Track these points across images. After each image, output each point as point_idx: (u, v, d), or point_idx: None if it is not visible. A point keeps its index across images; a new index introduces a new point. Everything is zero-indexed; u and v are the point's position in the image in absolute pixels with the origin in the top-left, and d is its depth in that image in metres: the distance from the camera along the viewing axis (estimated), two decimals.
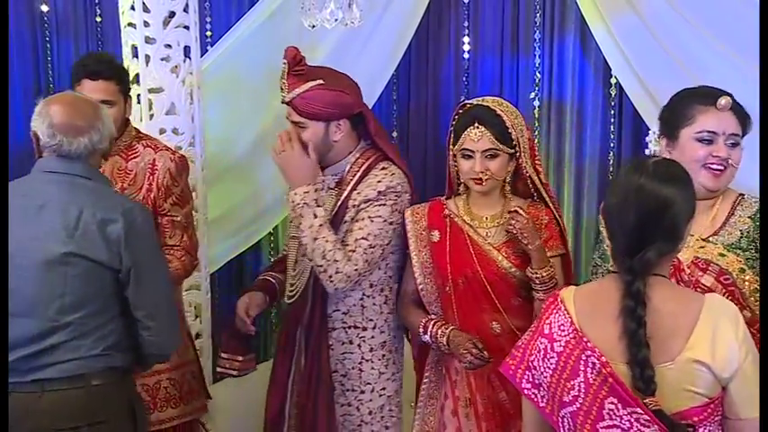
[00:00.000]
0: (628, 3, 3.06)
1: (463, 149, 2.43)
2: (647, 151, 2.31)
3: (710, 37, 2.93)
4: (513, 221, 2.37)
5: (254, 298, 2.73)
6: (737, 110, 2.09)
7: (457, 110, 2.49)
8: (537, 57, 3.42)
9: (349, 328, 2.63)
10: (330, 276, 2.48)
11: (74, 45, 3.82)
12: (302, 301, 2.65)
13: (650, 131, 2.29)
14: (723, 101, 2.07)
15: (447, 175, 2.59)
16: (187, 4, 3.07)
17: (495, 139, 2.39)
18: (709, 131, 2.08)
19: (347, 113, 2.60)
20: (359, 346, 2.63)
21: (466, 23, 3.51)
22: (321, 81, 2.55)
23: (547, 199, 2.49)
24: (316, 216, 2.48)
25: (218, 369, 2.80)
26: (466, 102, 2.53)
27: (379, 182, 2.57)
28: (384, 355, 2.66)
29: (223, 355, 2.76)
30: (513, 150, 2.42)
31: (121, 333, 2.22)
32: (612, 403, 1.64)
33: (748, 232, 2.09)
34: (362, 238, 2.52)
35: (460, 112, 2.47)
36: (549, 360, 1.73)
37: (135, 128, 2.90)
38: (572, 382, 1.69)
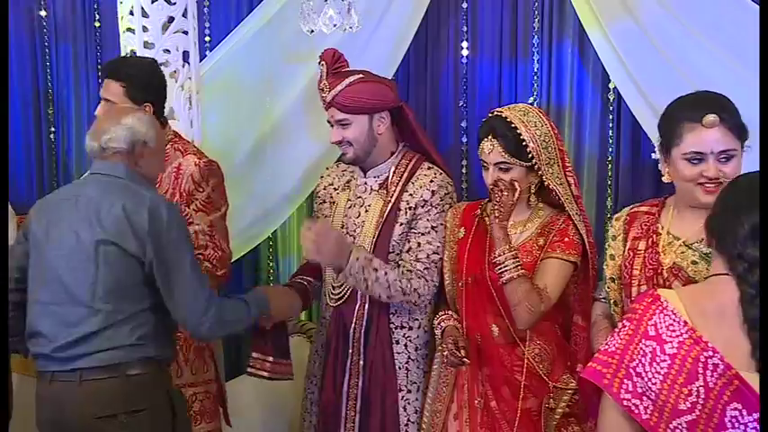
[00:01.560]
0: (625, 9, 3.06)
1: (481, 160, 2.45)
2: (653, 155, 2.31)
3: (708, 42, 2.93)
4: (498, 188, 2.36)
5: (295, 298, 2.73)
6: (729, 122, 2.04)
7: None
8: (535, 62, 3.42)
9: (396, 328, 2.65)
10: (416, 302, 2.57)
11: (72, 50, 3.83)
12: (352, 302, 2.67)
13: (656, 138, 2.28)
14: (709, 118, 2.02)
15: None
16: (186, 10, 3.07)
17: (505, 152, 2.38)
18: (696, 152, 2.05)
19: (389, 105, 2.67)
20: (405, 345, 2.66)
21: (464, 28, 3.51)
22: (361, 75, 2.63)
23: (572, 213, 2.43)
24: (377, 270, 2.51)
25: (248, 370, 2.75)
26: (493, 109, 2.53)
27: (431, 181, 2.62)
28: (427, 354, 2.70)
29: (253, 354, 2.73)
30: (529, 163, 2.39)
31: (156, 324, 2.28)
32: (736, 409, 1.50)
33: None
34: (434, 253, 2.58)
35: (483, 121, 2.48)
36: (659, 365, 1.56)
37: (173, 131, 2.90)
38: (689, 387, 1.53)
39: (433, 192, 2.60)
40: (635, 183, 3.32)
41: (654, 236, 2.21)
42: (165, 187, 2.75)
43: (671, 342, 1.56)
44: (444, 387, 2.59)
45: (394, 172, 2.66)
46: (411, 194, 2.61)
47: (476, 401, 2.48)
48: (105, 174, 2.33)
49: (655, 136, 2.24)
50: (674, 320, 1.58)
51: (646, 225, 2.24)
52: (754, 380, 1.50)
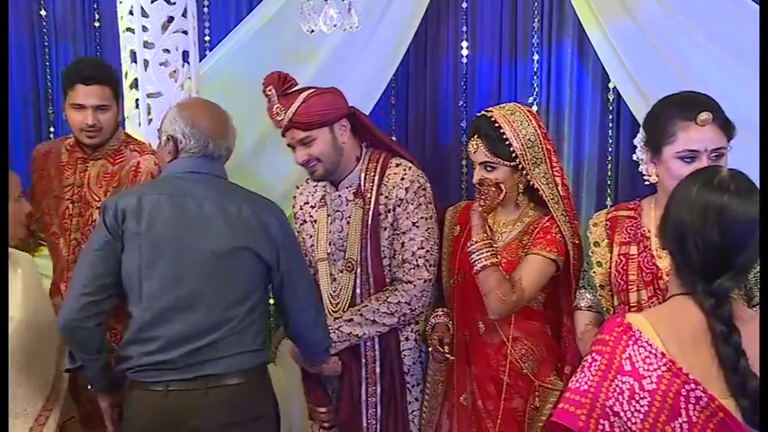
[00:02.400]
0: (624, 8, 3.06)
1: (471, 160, 2.46)
2: (634, 156, 2.29)
3: (707, 42, 2.94)
4: (487, 183, 2.38)
5: None
6: (719, 120, 2.04)
7: None
8: (535, 62, 3.42)
9: (404, 325, 2.64)
10: (410, 312, 2.58)
11: (72, 49, 3.83)
12: None
13: (639, 134, 2.27)
14: (703, 116, 2.02)
15: None
16: (186, 9, 3.07)
17: (488, 151, 2.38)
18: (691, 150, 2.05)
19: (344, 112, 2.63)
20: (415, 340, 2.66)
21: (464, 28, 3.51)
22: (310, 89, 2.58)
23: (557, 213, 2.42)
24: (351, 321, 2.55)
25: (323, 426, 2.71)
26: (483, 109, 2.54)
27: (402, 179, 2.60)
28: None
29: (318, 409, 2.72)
30: (513, 162, 2.39)
31: (266, 328, 2.32)
32: None
33: None
34: (419, 248, 2.56)
35: (471, 122, 2.50)
36: (638, 402, 1.46)
37: (125, 133, 2.91)
38: (673, 425, 1.44)
39: (406, 189, 2.58)
40: (634, 182, 3.32)
41: (644, 240, 2.19)
42: (125, 184, 2.76)
43: (649, 377, 1.46)
44: (438, 385, 2.60)
45: (365, 178, 2.63)
46: (387, 196, 2.58)
47: (461, 398, 2.49)
48: (208, 173, 2.23)
49: (639, 136, 2.24)
50: (651, 352, 1.47)
51: (631, 229, 2.22)
52: (730, 405, 1.44)
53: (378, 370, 2.61)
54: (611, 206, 2.39)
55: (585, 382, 1.51)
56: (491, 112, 2.46)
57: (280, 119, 2.57)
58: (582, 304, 2.31)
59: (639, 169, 2.19)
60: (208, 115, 2.29)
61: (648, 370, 1.46)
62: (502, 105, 2.54)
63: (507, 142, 2.38)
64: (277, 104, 2.56)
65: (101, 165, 2.79)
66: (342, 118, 2.61)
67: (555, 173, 2.46)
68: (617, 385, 1.47)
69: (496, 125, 2.39)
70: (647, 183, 2.19)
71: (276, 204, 2.31)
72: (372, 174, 2.62)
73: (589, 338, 2.25)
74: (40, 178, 2.90)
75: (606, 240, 2.26)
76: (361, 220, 2.58)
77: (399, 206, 2.57)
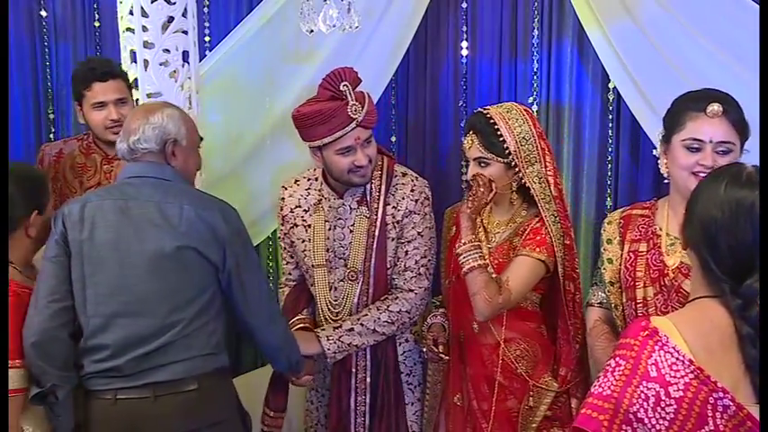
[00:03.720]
0: (624, 8, 3.06)
1: (466, 156, 2.46)
2: (654, 152, 2.30)
3: (707, 42, 2.94)
4: (476, 182, 2.38)
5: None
6: (732, 116, 2.06)
7: None
8: (535, 61, 3.42)
9: (401, 332, 2.63)
10: (408, 320, 2.59)
11: (72, 49, 3.83)
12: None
13: (658, 132, 2.28)
14: (714, 107, 2.04)
15: None
16: (186, 9, 3.06)
17: (483, 147, 2.38)
18: (695, 139, 2.06)
19: None
20: (415, 341, 2.65)
21: (464, 28, 3.51)
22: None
23: (548, 213, 2.42)
24: (352, 330, 2.54)
25: (264, 430, 2.70)
26: (480, 107, 2.54)
27: (411, 191, 2.59)
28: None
29: (270, 413, 2.69)
30: (507, 160, 2.39)
31: (222, 332, 2.21)
32: None
33: None
34: (422, 257, 2.58)
35: (469, 118, 2.50)
36: (664, 409, 1.42)
37: None
38: None
39: (416, 201, 2.59)
40: (634, 182, 3.33)
41: (654, 237, 2.21)
42: None
43: (676, 384, 1.42)
44: (437, 385, 2.61)
45: (371, 186, 2.60)
46: (395, 207, 2.57)
47: (455, 398, 2.49)
48: (150, 176, 2.18)
49: (654, 135, 2.25)
50: (678, 359, 1.44)
51: (643, 227, 2.24)
52: (757, 413, 1.42)
53: (368, 380, 2.60)
54: (627, 205, 2.40)
55: (609, 387, 1.47)
56: (487, 109, 2.46)
57: (356, 116, 2.48)
58: (593, 300, 2.35)
59: (658, 162, 2.20)
60: (130, 116, 2.28)
61: (675, 377, 1.43)
62: (500, 104, 2.55)
63: (501, 139, 2.38)
64: (354, 102, 2.48)
65: (124, 164, 2.79)
66: None
67: (548, 173, 2.46)
68: (642, 391, 1.44)
69: (492, 121, 2.40)
70: (666, 182, 2.20)
71: (226, 204, 2.25)
72: (378, 183, 2.60)
73: (597, 334, 2.28)
74: (54, 180, 2.89)
75: (618, 238, 2.29)
76: (366, 231, 2.56)
77: (407, 217, 2.56)
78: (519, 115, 2.43)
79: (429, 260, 2.59)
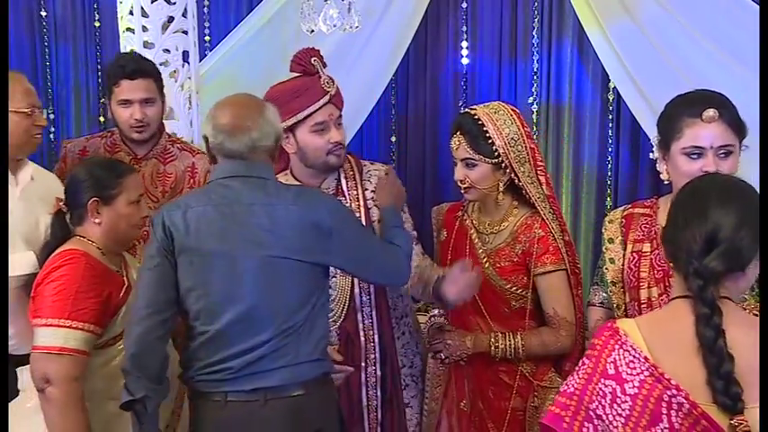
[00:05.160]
0: (624, 8, 3.06)
1: (453, 157, 2.44)
2: (651, 155, 2.29)
3: (706, 42, 2.94)
4: (380, 179, 2.40)
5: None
6: (728, 118, 2.04)
7: None
8: (535, 61, 3.43)
9: (398, 319, 2.62)
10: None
11: (72, 49, 3.84)
12: (352, 314, 2.60)
13: (654, 136, 2.28)
14: (710, 113, 2.01)
15: None
16: (186, 9, 3.07)
17: (470, 148, 2.36)
18: (696, 146, 2.03)
19: None
20: (410, 333, 2.64)
21: (464, 28, 3.52)
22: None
23: (544, 212, 2.40)
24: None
25: None
26: (468, 107, 2.53)
27: (386, 174, 2.59)
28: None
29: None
30: (495, 160, 2.39)
31: (327, 337, 2.15)
32: None
33: None
34: (412, 229, 2.56)
35: (455, 118, 2.48)
36: (620, 406, 1.45)
37: (166, 132, 2.90)
38: (653, 430, 1.42)
39: None
40: (634, 182, 3.33)
41: (657, 237, 2.20)
42: (181, 186, 2.75)
43: (631, 381, 1.44)
44: (437, 388, 2.59)
45: (345, 177, 2.56)
46: (374, 191, 2.56)
47: (462, 404, 2.48)
48: (247, 175, 2.06)
49: (653, 135, 2.25)
50: (634, 356, 1.46)
51: (646, 227, 2.23)
52: (715, 413, 1.40)
53: (378, 373, 2.60)
54: (628, 204, 2.38)
55: (573, 385, 1.52)
56: (474, 109, 2.45)
57: (329, 89, 2.45)
58: (594, 300, 2.33)
59: (657, 166, 2.19)
60: (228, 109, 2.11)
61: (631, 374, 1.45)
62: (486, 104, 2.53)
63: (490, 140, 2.37)
64: (326, 76, 2.45)
65: (153, 164, 2.77)
66: None
67: (539, 172, 2.45)
68: (600, 388, 1.47)
69: (479, 122, 2.38)
70: (666, 182, 2.20)
71: (324, 193, 2.23)
72: (351, 172, 2.59)
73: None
74: None
75: (620, 237, 2.26)
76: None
77: None
78: (507, 116, 2.41)
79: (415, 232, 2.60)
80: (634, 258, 2.21)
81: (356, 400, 2.55)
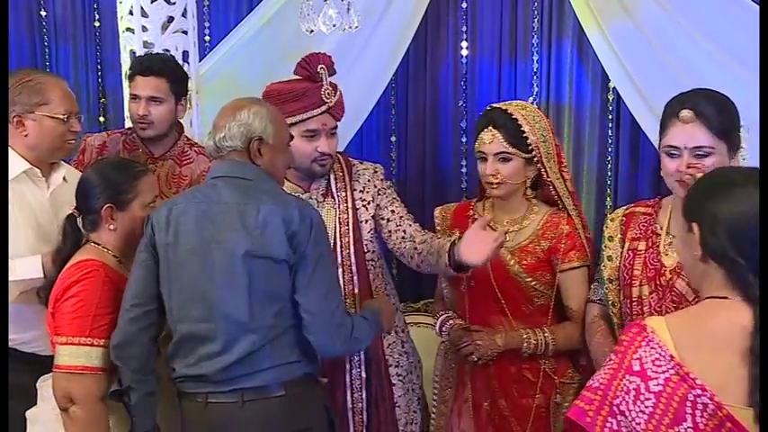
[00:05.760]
0: (623, 9, 3.06)
1: (478, 152, 2.43)
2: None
3: (706, 42, 2.94)
4: (474, 340, 2.38)
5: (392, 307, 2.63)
6: (706, 120, 2.04)
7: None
8: (535, 62, 3.43)
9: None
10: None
11: (72, 49, 3.84)
12: None
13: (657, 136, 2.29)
14: (684, 113, 2.03)
15: (479, 177, 2.57)
16: (185, 9, 3.07)
17: (506, 142, 2.36)
18: (672, 146, 2.07)
19: None
20: (395, 332, 2.62)
21: (464, 28, 3.52)
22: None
23: (569, 208, 2.45)
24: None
25: None
26: (491, 104, 2.52)
27: (375, 172, 2.59)
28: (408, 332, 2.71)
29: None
30: (529, 155, 2.39)
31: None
32: None
33: None
34: (408, 213, 2.57)
35: (481, 114, 2.47)
36: (643, 403, 1.45)
37: (185, 135, 2.91)
38: (677, 429, 1.41)
39: (381, 179, 2.59)
40: (634, 182, 3.33)
41: (653, 236, 2.21)
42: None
43: (656, 378, 1.44)
44: (448, 389, 2.58)
45: (334, 177, 2.58)
46: (362, 190, 2.56)
47: (485, 404, 2.46)
48: (232, 176, 2.10)
49: (653, 135, 2.25)
50: (660, 354, 1.46)
51: (644, 225, 2.24)
52: (747, 416, 1.40)
53: (364, 375, 2.58)
54: (631, 203, 2.40)
55: (598, 380, 1.52)
56: (506, 105, 2.44)
57: (328, 100, 2.46)
58: (593, 297, 2.36)
59: None
60: (218, 113, 2.17)
61: (656, 372, 1.45)
62: (508, 102, 2.53)
63: (524, 135, 2.37)
64: (327, 85, 2.47)
65: (169, 166, 2.79)
66: None
67: (563, 168, 2.47)
68: (624, 384, 1.47)
69: (513, 117, 2.38)
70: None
71: (306, 203, 2.18)
72: (341, 173, 2.59)
73: (594, 330, 2.29)
74: None
75: (619, 236, 2.29)
76: (336, 219, 2.55)
77: (380, 194, 2.56)
78: (535, 112, 2.44)
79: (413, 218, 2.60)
80: (629, 256, 2.22)
81: (340, 402, 2.55)
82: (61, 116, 2.37)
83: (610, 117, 3.36)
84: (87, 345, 2.06)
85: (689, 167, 2.03)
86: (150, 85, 2.71)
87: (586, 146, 3.40)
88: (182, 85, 2.79)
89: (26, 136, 2.36)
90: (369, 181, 2.57)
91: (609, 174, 3.38)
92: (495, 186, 2.40)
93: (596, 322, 2.31)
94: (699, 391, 1.40)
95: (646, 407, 1.44)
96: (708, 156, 2.03)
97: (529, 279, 2.40)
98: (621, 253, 2.25)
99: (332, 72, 2.49)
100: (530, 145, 2.37)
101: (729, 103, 2.07)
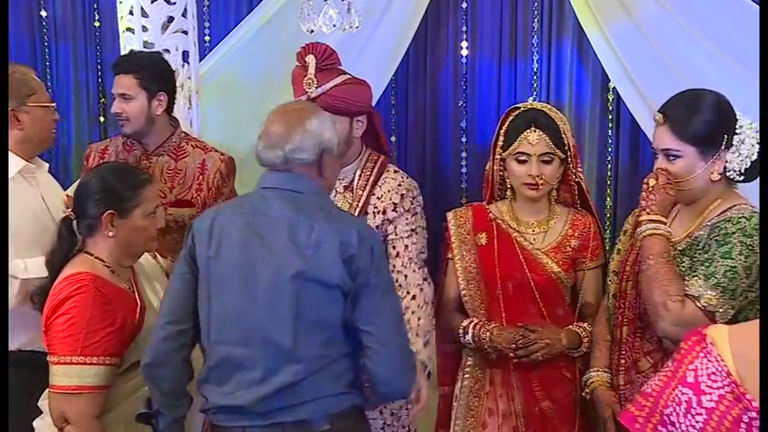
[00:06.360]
0: (623, 9, 3.06)
1: (518, 153, 2.38)
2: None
3: (706, 42, 2.94)
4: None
5: None
6: (675, 123, 2.04)
7: (508, 113, 2.46)
8: (535, 62, 3.43)
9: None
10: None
11: (72, 49, 3.84)
12: None
13: None
14: (656, 116, 2.08)
15: (487, 179, 2.56)
16: (186, 9, 3.07)
17: (552, 143, 2.36)
18: (653, 147, 2.12)
19: (369, 109, 2.57)
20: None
21: (464, 28, 3.52)
22: (349, 76, 2.51)
23: (592, 207, 2.48)
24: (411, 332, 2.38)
25: None
26: (517, 105, 2.50)
27: (399, 185, 2.55)
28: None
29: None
30: (564, 156, 2.40)
31: (358, 368, 1.96)
32: None
33: (698, 238, 2.06)
34: (420, 253, 2.51)
35: (515, 115, 2.43)
36: (694, 417, 1.37)
37: (182, 129, 2.91)
38: None
39: (402, 195, 2.53)
40: (634, 182, 3.33)
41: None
42: (190, 182, 2.77)
43: (710, 394, 1.35)
44: (475, 399, 2.52)
45: (360, 175, 2.57)
46: (379, 198, 2.53)
47: (535, 409, 2.39)
48: (282, 188, 1.94)
49: (652, 135, 2.26)
50: (717, 369, 1.36)
51: None
52: None
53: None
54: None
55: (651, 386, 1.47)
56: (541, 106, 2.45)
57: (308, 90, 2.46)
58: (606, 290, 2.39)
59: None
60: (273, 117, 1.98)
61: (711, 387, 1.36)
62: (534, 102, 2.55)
63: (562, 135, 2.38)
64: (311, 76, 2.46)
65: (165, 161, 2.79)
66: (364, 114, 2.54)
67: (579, 169, 2.48)
68: (676, 395, 1.40)
69: (552, 118, 2.39)
70: None
71: (361, 222, 2.05)
72: (368, 173, 2.58)
73: (600, 325, 2.33)
74: None
75: (630, 230, 2.31)
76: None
77: (393, 210, 2.52)
78: (560, 113, 2.46)
79: (425, 255, 2.57)
80: (631, 251, 2.24)
81: None
82: (49, 104, 2.39)
83: (610, 117, 3.36)
84: (79, 364, 1.98)
85: (659, 170, 2.07)
86: (120, 83, 2.74)
87: (586, 146, 3.40)
88: (155, 81, 2.74)
89: (21, 129, 2.36)
90: (387, 192, 2.55)
91: (609, 174, 3.39)
92: (539, 188, 2.37)
93: (601, 316, 2.37)
94: (754, 414, 1.32)
95: (696, 422, 1.37)
96: (675, 159, 2.04)
97: (566, 278, 2.42)
98: (629, 248, 2.27)
99: (325, 63, 2.47)
100: (566, 145, 2.38)
101: (712, 108, 2.04)
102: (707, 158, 2.03)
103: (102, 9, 3.78)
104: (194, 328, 1.95)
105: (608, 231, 3.40)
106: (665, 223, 2.06)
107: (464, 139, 3.55)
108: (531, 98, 3.41)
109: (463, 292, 2.49)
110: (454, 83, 3.56)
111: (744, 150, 2.03)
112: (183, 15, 3.07)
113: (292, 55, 2.55)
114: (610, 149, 3.38)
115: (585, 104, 3.39)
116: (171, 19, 3.04)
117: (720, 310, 1.91)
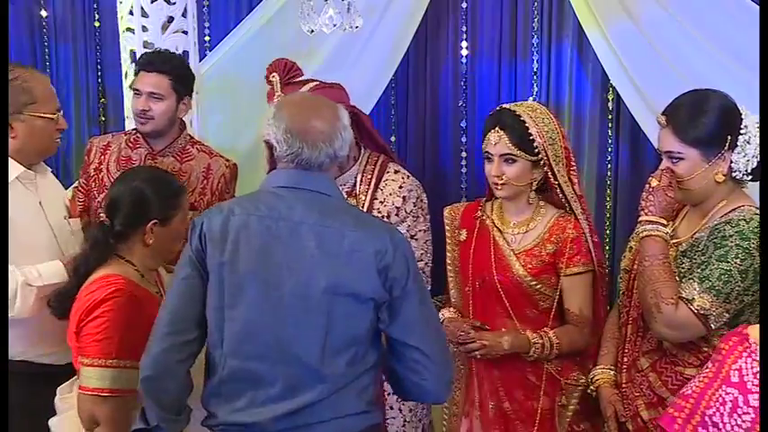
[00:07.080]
0: (623, 9, 3.06)
1: (485, 152, 2.41)
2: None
3: (706, 42, 2.94)
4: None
5: None
6: (677, 126, 2.05)
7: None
8: (535, 62, 3.42)
9: None
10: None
11: (72, 49, 3.84)
12: None
13: None
14: (659, 117, 2.09)
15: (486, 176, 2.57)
16: (186, 10, 3.07)
17: (512, 144, 2.35)
18: (658, 149, 2.12)
19: (351, 109, 2.52)
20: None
21: (464, 28, 3.52)
22: (316, 82, 2.52)
23: (577, 212, 2.43)
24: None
25: None
26: (503, 104, 2.50)
27: (400, 187, 2.55)
28: None
29: None
30: (535, 158, 2.38)
31: (377, 384, 1.87)
32: None
33: (698, 240, 2.06)
34: (419, 260, 2.49)
35: (489, 114, 2.45)
36: (740, 417, 1.36)
37: (187, 132, 2.91)
38: None
39: (404, 198, 2.54)
40: (634, 182, 3.33)
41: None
42: (194, 185, 2.77)
43: (757, 392, 1.34)
44: (457, 391, 2.56)
45: (361, 180, 2.58)
46: (382, 202, 2.54)
47: (490, 406, 2.45)
48: (310, 189, 1.79)
49: (653, 135, 2.27)
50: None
51: None
52: None
53: None
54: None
55: (691, 387, 1.45)
56: (514, 106, 2.43)
57: None
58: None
59: None
60: (306, 114, 1.80)
61: (757, 385, 1.36)
62: (519, 103, 2.53)
63: (531, 137, 2.36)
64: (279, 93, 2.50)
65: (170, 162, 2.79)
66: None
67: (572, 172, 2.45)
68: (720, 395, 1.39)
69: (521, 119, 2.37)
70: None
71: (393, 228, 1.91)
72: (369, 176, 2.58)
73: (610, 323, 2.35)
74: (97, 172, 2.84)
75: None
76: None
77: (396, 215, 2.53)
78: (544, 114, 2.42)
79: (425, 264, 2.57)
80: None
81: None
82: (50, 115, 2.35)
83: (610, 117, 3.36)
84: (114, 367, 1.95)
85: (662, 170, 2.07)
86: (151, 81, 2.72)
87: (586, 146, 3.40)
88: (185, 84, 2.79)
89: (15, 138, 2.32)
90: (389, 195, 2.55)
91: (609, 174, 3.38)
92: (499, 187, 2.39)
93: (612, 315, 2.39)
94: None
95: (743, 421, 1.35)
96: (679, 161, 2.05)
97: (534, 283, 2.39)
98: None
99: (289, 77, 2.48)
100: (536, 147, 2.36)
101: (715, 110, 2.03)
102: (710, 160, 2.03)
103: (102, 9, 3.79)
104: (198, 339, 1.82)
105: (608, 231, 3.40)
106: (664, 225, 2.05)
107: (464, 139, 3.55)
108: (531, 98, 3.41)
109: (450, 287, 2.58)
110: (454, 83, 3.56)
111: (750, 150, 2.02)
112: (183, 15, 3.07)
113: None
114: (610, 149, 3.38)
115: (585, 104, 3.38)
116: (171, 19, 3.04)
117: (714, 313, 1.91)
